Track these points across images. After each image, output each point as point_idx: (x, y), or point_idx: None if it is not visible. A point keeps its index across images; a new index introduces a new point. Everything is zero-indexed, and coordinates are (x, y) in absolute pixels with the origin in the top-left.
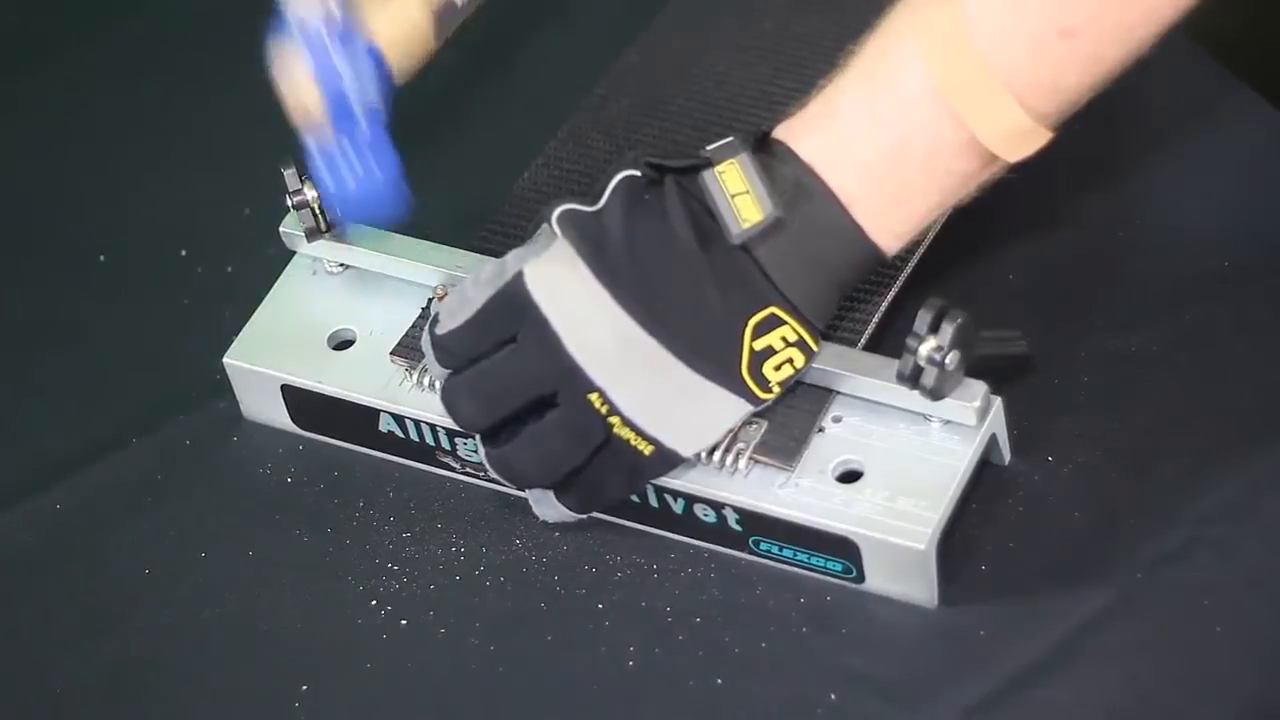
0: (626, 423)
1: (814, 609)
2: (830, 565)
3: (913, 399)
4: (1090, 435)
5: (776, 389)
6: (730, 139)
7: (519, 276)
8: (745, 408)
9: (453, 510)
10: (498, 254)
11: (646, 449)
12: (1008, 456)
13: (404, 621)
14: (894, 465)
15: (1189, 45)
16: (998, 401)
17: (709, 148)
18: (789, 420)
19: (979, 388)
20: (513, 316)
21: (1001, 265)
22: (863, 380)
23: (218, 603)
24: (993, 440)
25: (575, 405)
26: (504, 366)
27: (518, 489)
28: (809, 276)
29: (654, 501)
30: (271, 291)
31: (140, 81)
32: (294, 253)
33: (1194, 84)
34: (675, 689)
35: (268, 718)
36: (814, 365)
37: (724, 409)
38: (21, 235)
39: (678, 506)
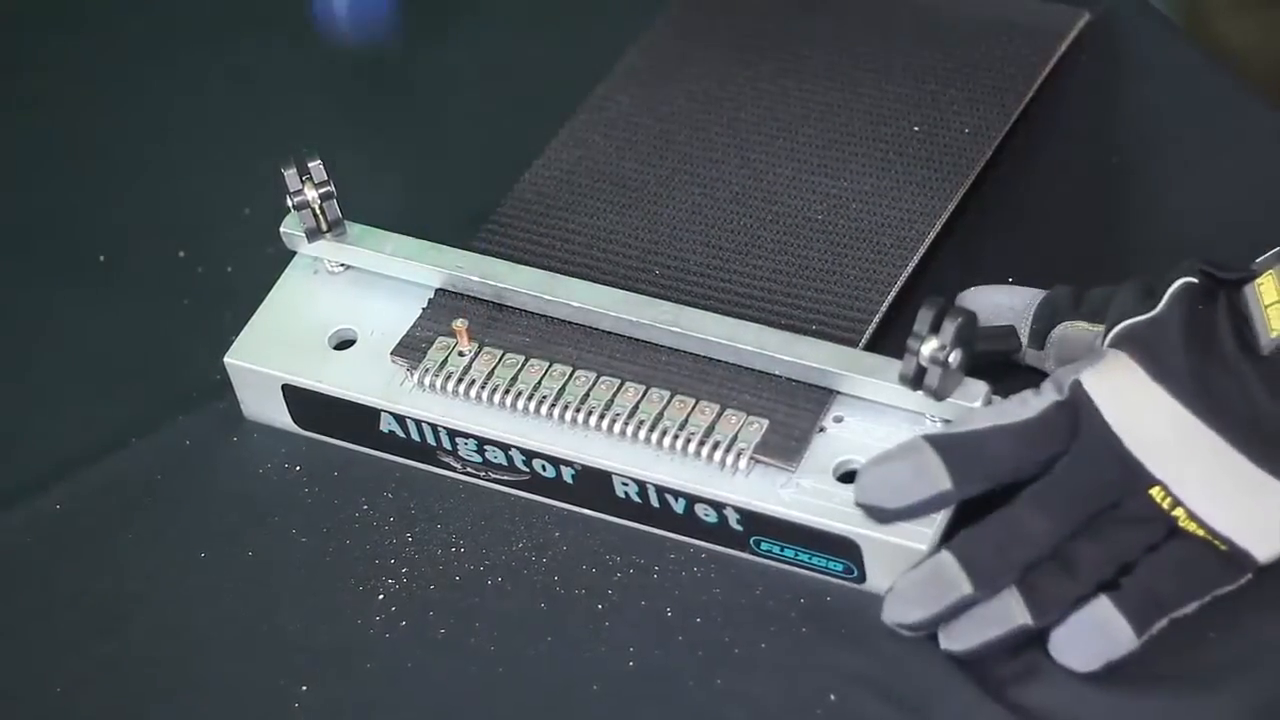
0: (1192, 516)
1: (814, 609)
2: (831, 565)
3: (914, 399)
4: None
5: None
6: (1277, 249)
7: (1078, 384)
8: None
9: (453, 510)
10: (499, 255)
11: (1220, 545)
12: None
13: (404, 622)
14: None
15: (1199, 51)
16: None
17: (1259, 260)
18: (790, 420)
19: (979, 387)
20: (1070, 425)
21: (1001, 267)
22: (864, 380)
23: (217, 603)
24: None
25: (1137, 503)
26: (1068, 475)
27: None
28: None
29: (655, 501)
30: (272, 291)
31: (140, 80)
32: (294, 253)
33: (1202, 89)
34: (675, 689)
35: (268, 718)
36: (814, 365)
37: None
38: (20, 235)
39: (679, 506)
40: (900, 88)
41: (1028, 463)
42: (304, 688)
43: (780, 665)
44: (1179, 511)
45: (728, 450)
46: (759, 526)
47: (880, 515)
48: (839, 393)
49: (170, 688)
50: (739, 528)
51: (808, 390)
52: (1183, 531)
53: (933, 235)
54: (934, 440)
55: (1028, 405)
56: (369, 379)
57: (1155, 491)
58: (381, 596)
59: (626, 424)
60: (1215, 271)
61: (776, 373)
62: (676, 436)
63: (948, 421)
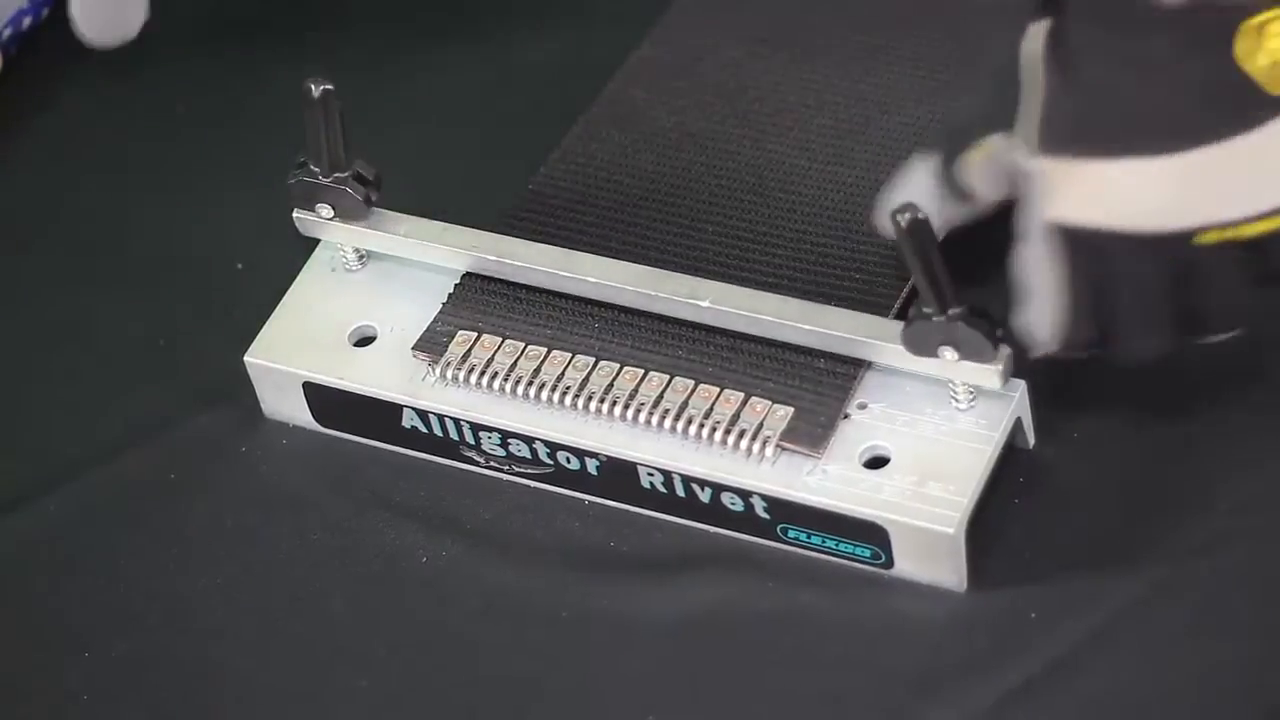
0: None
1: (841, 598)
2: (859, 551)
3: (939, 366)
4: (1117, 422)
5: None
6: None
7: (1048, 227)
8: None
9: (475, 506)
10: None
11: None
12: (1032, 440)
13: (425, 618)
14: (921, 450)
15: None
16: (1022, 385)
17: None
18: (815, 407)
19: (1002, 351)
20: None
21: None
22: (893, 348)
23: (235, 601)
24: (1018, 424)
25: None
26: None
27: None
28: None
29: (681, 491)
30: (291, 289)
31: (148, 78)
32: (307, 250)
33: None
34: (696, 683)
35: (286, 716)
36: (844, 335)
37: None
38: (32, 232)
39: (704, 496)
40: (913, 77)
41: None
42: (318, 687)
43: (806, 655)
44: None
45: (754, 438)
46: (786, 514)
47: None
48: (863, 377)
49: (187, 687)
50: (765, 516)
51: (832, 377)
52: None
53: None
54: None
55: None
56: (390, 375)
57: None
58: (403, 594)
59: (651, 413)
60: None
61: (799, 343)
62: (702, 425)
63: (973, 397)
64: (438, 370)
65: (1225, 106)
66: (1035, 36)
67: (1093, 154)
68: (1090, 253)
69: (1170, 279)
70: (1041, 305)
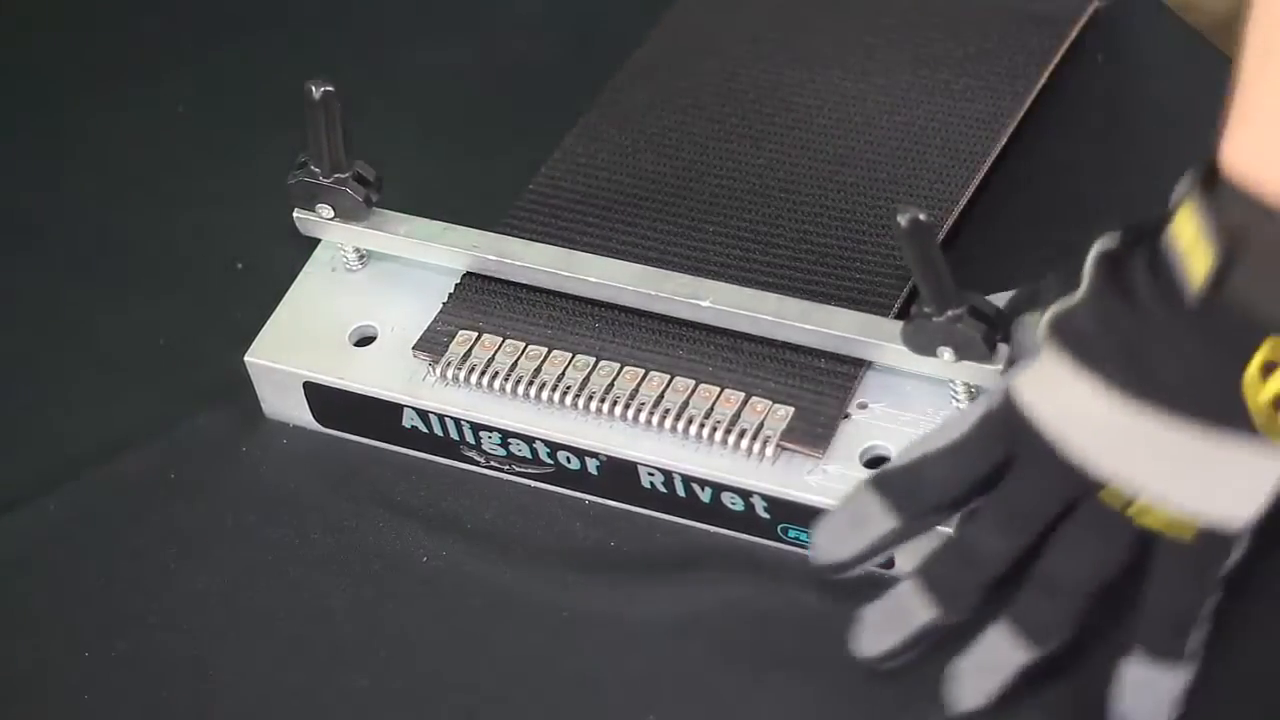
0: (1151, 504)
1: (841, 598)
2: None
3: (937, 365)
4: None
5: None
6: (1188, 174)
7: (1008, 391)
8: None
9: (475, 506)
10: None
11: (1188, 534)
12: None
13: (426, 619)
14: None
15: (1213, 51)
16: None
17: (1174, 192)
18: (816, 407)
19: (1001, 351)
20: (1006, 433)
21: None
22: (893, 349)
23: (234, 601)
24: None
25: (1092, 507)
26: (1013, 490)
27: (1041, 645)
28: None
29: (681, 491)
30: (291, 289)
31: (148, 77)
32: (307, 251)
33: (1217, 89)
34: (696, 683)
35: (286, 716)
36: (845, 335)
37: (1257, 466)
38: (32, 232)
39: (705, 496)
40: (913, 77)
41: (967, 481)
42: (323, 685)
43: (808, 658)
44: (1134, 509)
45: (754, 438)
46: (787, 514)
47: (838, 569)
48: (863, 378)
49: (187, 687)
50: (766, 516)
51: (833, 377)
52: (1156, 533)
53: (950, 223)
54: (872, 482)
55: (960, 421)
56: (391, 375)
57: (1106, 494)
58: (403, 594)
59: (652, 413)
60: (1136, 225)
61: (799, 342)
62: (702, 425)
63: (973, 392)
64: (438, 370)
65: (1209, 403)
66: (1105, 242)
67: (1074, 362)
68: (1013, 437)
69: (1058, 513)
70: (933, 441)
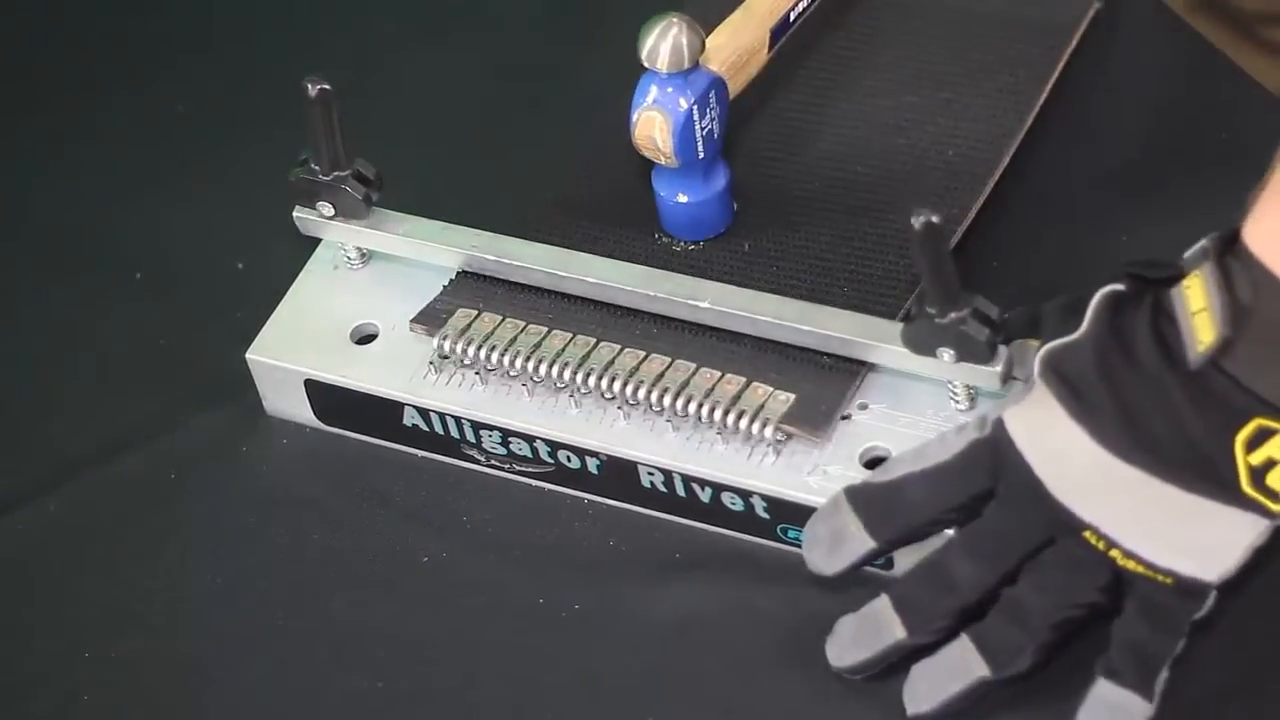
0: (1129, 555)
1: (841, 598)
2: None
3: (936, 366)
4: None
5: None
6: (1204, 242)
7: (999, 422)
8: (1261, 524)
9: (475, 504)
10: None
11: (1164, 580)
12: None
13: (426, 615)
14: None
15: (1215, 52)
16: (1018, 385)
17: (1187, 253)
18: (817, 394)
19: (1001, 352)
20: (991, 463)
21: (1012, 269)
22: (893, 349)
23: (236, 600)
24: None
25: (1072, 545)
26: (994, 521)
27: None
28: None
29: (681, 491)
30: (293, 287)
31: (148, 78)
32: (308, 250)
33: (1219, 91)
34: (696, 683)
35: (288, 714)
36: (849, 338)
37: (1236, 527)
38: (33, 235)
39: (705, 495)
40: (915, 94)
41: (948, 507)
42: (323, 685)
43: (807, 659)
44: (1115, 552)
45: (754, 419)
46: (786, 514)
47: (826, 578)
48: (865, 374)
49: (187, 687)
50: (766, 516)
51: (833, 376)
52: (1133, 575)
53: (956, 238)
54: (851, 495)
55: (946, 445)
56: (392, 373)
57: (1088, 534)
58: (403, 591)
59: (650, 390)
60: (1144, 273)
61: (799, 343)
62: (702, 404)
63: (972, 394)
64: (434, 342)
65: (1196, 463)
66: (1112, 285)
67: (1067, 405)
68: (998, 469)
69: (1032, 551)
70: (919, 460)
